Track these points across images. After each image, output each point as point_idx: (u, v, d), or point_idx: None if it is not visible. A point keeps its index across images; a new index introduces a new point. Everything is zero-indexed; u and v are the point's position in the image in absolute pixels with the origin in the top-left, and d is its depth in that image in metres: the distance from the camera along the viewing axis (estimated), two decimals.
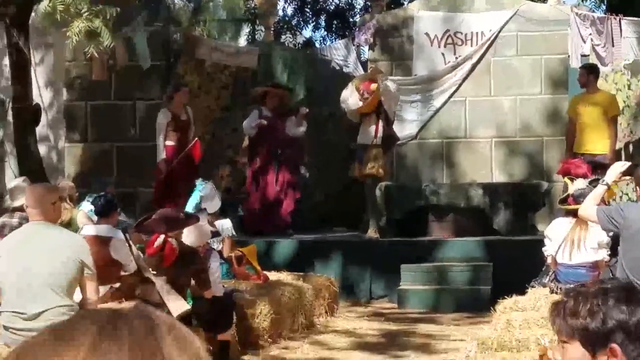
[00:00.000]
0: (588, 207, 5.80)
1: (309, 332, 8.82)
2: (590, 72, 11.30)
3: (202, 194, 8.85)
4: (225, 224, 9.10)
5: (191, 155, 11.10)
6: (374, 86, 10.98)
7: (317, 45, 19.12)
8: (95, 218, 7.60)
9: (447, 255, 10.81)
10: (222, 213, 9.42)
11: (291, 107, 12.15)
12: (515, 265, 9.85)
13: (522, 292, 8.14)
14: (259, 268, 9.34)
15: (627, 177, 6.52)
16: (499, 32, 12.64)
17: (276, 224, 11.74)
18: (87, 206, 8.47)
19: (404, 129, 12.72)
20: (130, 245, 7.16)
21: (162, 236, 6.78)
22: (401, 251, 10.75)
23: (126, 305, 0.91)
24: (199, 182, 9.12)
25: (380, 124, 11.21)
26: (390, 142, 11.51)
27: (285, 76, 13.45)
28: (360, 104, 11.09)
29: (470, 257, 10.73)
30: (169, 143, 11.31)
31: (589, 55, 11.82)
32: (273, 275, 9.58)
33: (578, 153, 10.84)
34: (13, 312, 5.78)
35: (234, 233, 9.34)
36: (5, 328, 5.87)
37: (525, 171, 12.59)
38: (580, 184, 7.77)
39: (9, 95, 11.76)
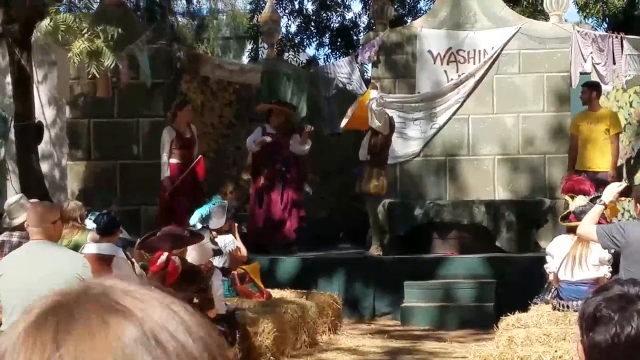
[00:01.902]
0: (587, 226, 5.81)
1: (312, 350, 8.81)
2: (592, 89, 11.34)
3: (210, 211, 8.86)
4: (227, 239, 9.11)
5: (195, 172, 11.14)
6: (359, 101, 11.05)
7: (321, 62, 19.18)
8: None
9: (450, 272, 10.81)
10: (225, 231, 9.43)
11: (295, 125, 12.18)
12: (519, 282, 9.87)
13: (525, 309, 8.15)
14: (261, 286, 9.34)
15: (623, 198, 6.53)
16: (502, 49, 12.67)
17: (280, 241, 11.75)
18: (89, 224, 8.48)
19: (408, 146, 12.75)
20: (132, 263, 7.17)
21: (166, 254, 6.79)
22: (405, 268, 10.75)
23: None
24: (215, 198, 9.12)
25: (372, 140, 11.24)
26: (381, 159, 11.43)
27: (288, 94, 13.48)
28: (346, 120, 11.17)
29: (473, 274, 10.73)
30: (173, 161, 11.33)
31: (590, 72, 11.84)
32: (276, 293, 9.57)
33: (580, 170, 10.86)
34: None
35: (238, 245, 9.34)
36: None
37: (528, 188, 12.60)
38: (580, 201, 7.79)
39: (12, 113, 11.79)
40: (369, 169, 11.20)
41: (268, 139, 11.69)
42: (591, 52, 11.72)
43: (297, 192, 11.88)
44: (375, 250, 11.32)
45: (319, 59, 20.31)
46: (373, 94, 11.14)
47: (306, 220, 12.00)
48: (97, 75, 9.55)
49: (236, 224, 9.43)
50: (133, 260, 7.49)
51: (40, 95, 12.65)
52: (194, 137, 11.48)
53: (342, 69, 13.63)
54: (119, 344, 0.76)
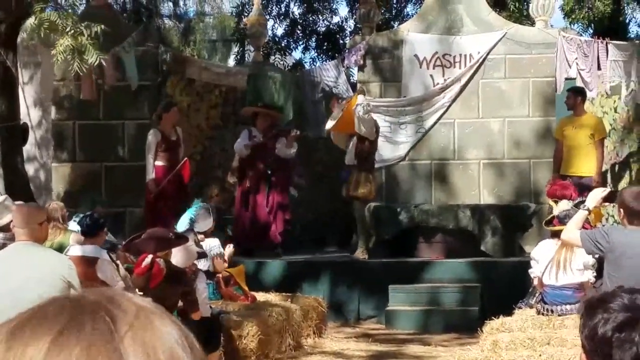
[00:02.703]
0: (571, 232, 5.84)
1: (297, 353, 8.80)
2: (577, 94, 11.39)
3: (195, 214, 8.84)
4: (213, 243, 9.10)
5: (181, 175, 11.11)
6: (343, 103, 11.03)
7: (307, 66, 19.19)
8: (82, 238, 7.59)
9: (435, 276, 10.83)
10: (211, 233, 9.41)
11: (281, 128, 12.17)
12: (504, 287, 9.91)
13: (510, 313, 8.17)
14: (246, 289, 9.33)
15: (607, 204, 6.56)
16: (487, 54, 12.71)
17: (265, 244, 11.74)
18: (74, 226, 8.46)
19: (394, 150, 12.77)
20: (117, 265, 7.16)
21: (150, 256, 6.78)
22: (390, 272, 10.76)
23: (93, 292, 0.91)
24: (196, 202, 9.11)
25: (359, 145, 11.22)
26: (369, 164, 11.43)
27: (274, 97, 13.49)
28: (332, 123, 11.15)
29: (458, 278, 10.75)
30: (159, 163, 11.30)
31: (575, 78, 11.89)
32: (261, 296, 9.56)
33: (565, 175, 10.90)
34: None
35: (222, 251, 9.33)
36: None
37: (514, 192, 12.64)
38: (564, 205, 7.82)
39: None
40: (356, 174, 11.19)
41: (258, 141, 11.68)
42: (576, 58, 11.76)
43: (282, 195, 11.87)
44: (361, 254, 11.33)
45: (305, 62, 20.34)
46: (360, 99, 11.14)
47: (291, 223, 11.99)
48: (81, 73, 9.50)
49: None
50: (118, 262, 7.48)
51: (26, 96, 12.60)
52: (180, 139, 11.45)
53: (328, 73, 13.64)
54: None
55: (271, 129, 11.86)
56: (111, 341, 0.83)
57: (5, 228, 7.74)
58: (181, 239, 7.29)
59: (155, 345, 0.85)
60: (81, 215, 7.69)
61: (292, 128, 12.13)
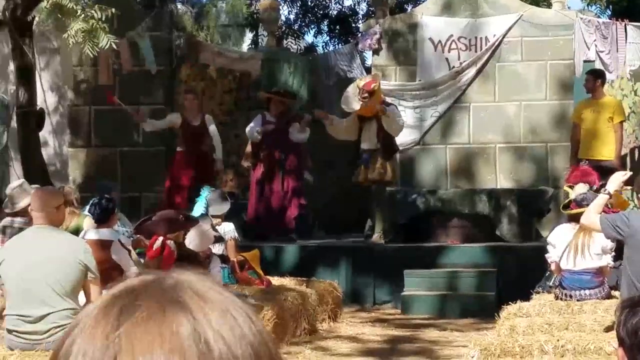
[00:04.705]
0: (591, 216, 5.79)
1: (312, 338, 8.79)
2: (596, 77, 11.29)
3: (209, 198, 8.85)
4: (228, 227, 9.09)
5: (202, 158, 11.18)
6: (374, 85, 10.95)
7: (320, 50, 19.11)
8: None
9: (451, 261, 10.78)
10: (225, 218, 9.41)
11: (295, 113, 12.14)
12: (520, 272, 9.86)
13: (527, 298, 8.13)
14: (261, 273, 9.32)
15: (629, 187, 6.50)
16: (504, 37, 12.61)
17: (280, 229, 11.72)
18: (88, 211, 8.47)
19: (408, 135, 12.68)
20: (129, 251, 7.16)
21: (161, 238, 6.76)
22: (405, 257, 10.72)
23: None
24: (205, 188, 9.10)
25: (380, 130, 11.15)
26: (391, 150, 11.41)
27: (288, 81, 13.44)
28: (358, 106, 11.06)
29: (474, 263, 10.70)
30: (179, 149, 11.42)
31: (594, 60, 11.79)
32: (276, 281, 9.55)
33: (583, 159, 10.82)
34: (17, 315, 5.78)
35: (237, 235, 9.33)
36: (9, 331, 5.87)
37: (531, 177, 12.55)
38: (581, 188, 7.76)
39: (14, 100, 11.76)
40: (377, 157, 11.13)
41: (270, 127, 11.66)
42: (594, 40, 11.66)
43: (297, 180, 11.85)
44: (378, 239, 11.27)
45: (318, 46, 20.24)
46: (390, 108, 11.09)
47: (306, 208, 11.96)
48: (91, 55, 9.49)
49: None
50: (129, 248, 7.47)
51: (42, 82, 12.61)
52: (206, 126, 11.46)
53: (342, 57, 13.58)
54: (168, 333, 0.81)
55: (284, 114, 11.83)
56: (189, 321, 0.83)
57: (23, 212, 7.77)
58: (191, 221, 7.28)
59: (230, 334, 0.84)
60: (95, 200, 7.67)
61: (306, 113, 12.10)
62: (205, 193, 8.93)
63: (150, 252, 6.88)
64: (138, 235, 7.89)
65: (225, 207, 9.07)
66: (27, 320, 5.75)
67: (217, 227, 8.50)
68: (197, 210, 8.60)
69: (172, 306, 0.83)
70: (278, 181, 11.75)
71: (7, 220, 8.43)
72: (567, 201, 8.09)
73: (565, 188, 8.30)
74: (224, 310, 0.85)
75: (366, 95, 10.94)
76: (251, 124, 11.79)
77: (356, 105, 11.04)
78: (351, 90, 11.15)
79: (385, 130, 11.07)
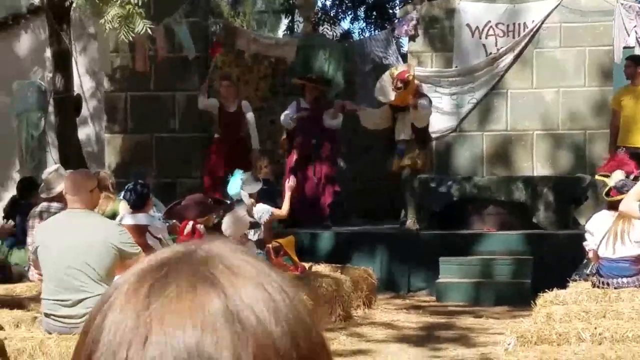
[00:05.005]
0: (630, 203, 5.72)
1: (347, 324, 8.78)
2: (637, 63, 11.14)
3: (243, 178, 8.89)
4: (261, 209, 9.11)
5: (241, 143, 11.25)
6: (408, 75, 10.88)
7: (356, 36, 19.04)
8: None
9: (487, 248, 10.72)
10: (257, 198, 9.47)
11: (329, 100, 12.12)
12: (556, 260, 9.78)
13: (563, 286, 8.06)
14: (296, 259, 9.32)
15: None
16: (542, 23, 12.48)
17: (314, 216, 11.72)
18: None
19: (444, 122, 12.63)
20: (159, 240, 7.19)
21: (191, 223, 6.78)
22: (440, 244, 10.68)
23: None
24: (238, 171, 9.13)
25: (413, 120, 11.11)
26: (425, 139, 11.39)
27: (323, 68, 13.41)
28: (392, 96, 11.01)
29: (510, 250, 10.63)
30: (216, 136, 11.47)
31: (634, 47, 11.64)
32: (311, 267, 9.55)
33: (621, 146, 10.69)
34: (54, 300, 5.81)
35: (272, 212, 9.36)
36: (47, 315, 5.91)
37: (569, 164, 12.44)
38: (619, 175, 7.66)
39: (51, 86, 11.84)
40: (412, 147, 11.10)
41: (304, 113, 11.67)
42: (635, 26, 11.51)
43: (330, 167, 11.84)
44: (411, 225, 11.24)
45: (354, 32, 20.17)
46: (421, 100, 11.03)
47: (340, 195, 11.95)
48: (126, 40, 9.51)
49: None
50: (160, 236, 7.50)
51: (79, 68, 12.68)
52: (243, 113, 11.49)
53: (378, 43, 13.52)
54: (200, 312, 0.79)
55: (319, 101, 11.82)
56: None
57: (60, 197, 7.82)
58: (220, 204, 7.30)
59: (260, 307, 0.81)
60: (130, 186, 7.70)
61: (340, 99, 12.08)
62: (239, 173, 8.97)
63: (182, 236, 6.90)
64: (174, 221, 7.92)
65: (257, 187, 9.12)
66: (64, 304, 5.79)
67: (253, 210, 8.52)
68: (233, 187, 8.61)
69: (203, 283, 0.80)
70: (311, 168, 11.75)
71: (44, 205, 8.50)
72: (607, 188, 8.00)
73: (598, 177, 8.21)
74: (257, 285, 0.82)
75: (400, 85, 10.91)
76: (286, 111, 11.79)
77: (390, 96, 11.01)
78: (385, 79, 11.12)
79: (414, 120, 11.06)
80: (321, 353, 0.84)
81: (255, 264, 0.85)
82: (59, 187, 7.98)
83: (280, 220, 10.94)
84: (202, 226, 6.92)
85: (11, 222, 9.64)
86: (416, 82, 11.36)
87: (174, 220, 7.86)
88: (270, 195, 10.73)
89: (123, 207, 7.89)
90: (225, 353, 0.77)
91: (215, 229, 7.18)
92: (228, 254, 0.85)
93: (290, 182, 9.64)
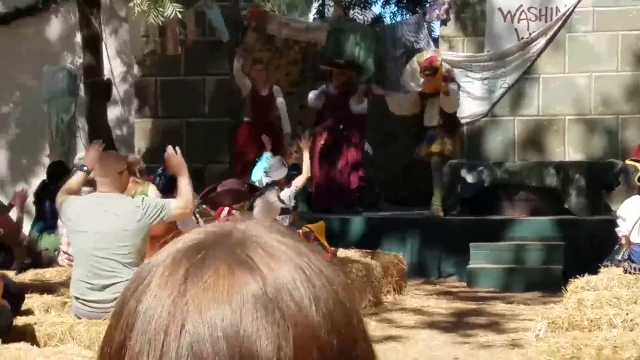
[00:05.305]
0: None
1: (377, 310, 8.76)
2: None
3: (269, 164, 8.88)
4: (287, 193, 9.12)
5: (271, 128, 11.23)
6: (436, 62, 10.81)
7: (387, 21, 18.96)
8: None
9: (518, 234, 10.66)
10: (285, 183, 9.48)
11: (356, 85, 12.10)
12: (588, 246, 9.71)
13: (594, 272, 7.99)
14: (326, 244, 9.30)
15: None
16: (575, 7, 12.35)
17: (343, 201, 11.70)
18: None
19: (475, 107, 12.54)
20: (197, 219, 7.19)
21: (227, 209, 6.78)
22: (471, 230, 10.63)
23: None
24: (265, 154, 9.13)
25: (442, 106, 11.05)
26: (454, 125, 11.33)
27: (354, 52, 13.34)
28: (420, 85, 10.94)
29: (541, 236, 10.56)
30: (245, 119, 11.46)
31: None
32: (341, 252, 9.53)
33: None
34: (83, 284, 5.82)
35: (294, 189, 9.37)
36: (76, 298, 5.92)
37: (601, 150, 12.32)
38: None
39: (81, 70, 11.87)
40: (441, 134, 11.04)
41: (331, 98, 11.67)
42: None
43: (356, 152, 11.82)
44: (436, 211, 11.19)
45: (385, 17, 20.08)
46: (451, 85, 10.97)
47: (366, 180, 11.93)
48: (155, 23, 9.50)
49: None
50: (197, 216, 7.51)
51: (109, 52, 12.70)
52: (274, 98, 11.48)
53: (409, 28, 13.44)
54: (238, 300, 0.76)
55: (346, 86, 11.80)
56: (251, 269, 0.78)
57: (91, 182, 7.84)
58: (255, 190, 7.29)
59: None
60: (160, 171, 7.72)
61: (367, 84, 12.05)
62: (266, 157, 8.97)
63: (218, 221, 6.90)
64: (204, 206, 7.92)
65: (283, 173, 9.11)
66: (93, 288, 5.79)
67: (281, 196, 8.52)
68: (257, 173, 8.60)
69: (241, 268, 0.78)
70: (339, 153, 11.74)
71: None
72: (639, 174, 7.92)
73: (629, 162, 8.12)
74: (296, 268, 0.79)
75: (428, 72, 10.84)
76: (312, 92, 11.85)
77: (418, 84, 10.98)
78: (412, 66, 11.08)
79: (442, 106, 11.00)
80: (362, 340, 0.80)
81: (293, 245, 0.82)
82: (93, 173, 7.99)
83: (310, 205, 10.95)
84: (238, 212, 6.91)
85: (26, 189, 9.66)
86: (446, 66, 11.30)
87: (204, 205, 7.86)
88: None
89: (152, 191, 7.90)
90: (266, 342, 0.75)
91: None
92: (265, 234, 0.82)
93: (304, 139, 9.58)
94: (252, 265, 0.78)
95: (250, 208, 7.83)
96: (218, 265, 0.78)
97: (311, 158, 12.13)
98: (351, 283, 8.28)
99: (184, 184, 5.87)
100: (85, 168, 6.10)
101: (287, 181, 9.39)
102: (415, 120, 11.58)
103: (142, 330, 0.77)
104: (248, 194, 7.23)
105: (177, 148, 6.00)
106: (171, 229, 6.79)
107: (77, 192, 6.06)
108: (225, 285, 0.76)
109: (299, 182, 9.42)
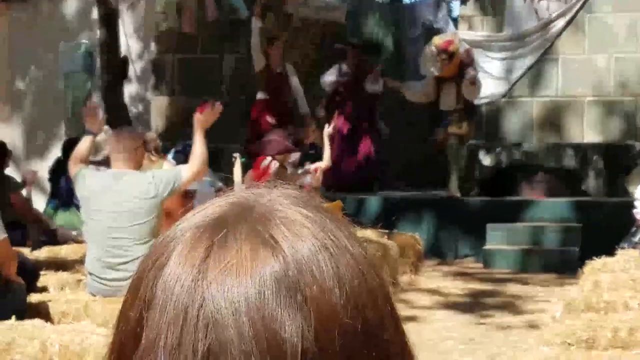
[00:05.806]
0: None
1: (393, 290, 8.53)
2: None
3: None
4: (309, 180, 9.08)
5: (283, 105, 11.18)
6: (453, 47, 10.74)
7: (407, 0, 18.85)
8: None
9: (535, 215, 10.61)
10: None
11: (370, 65, 12.04)
12: (605, 227, 9.65)
13: (611, 254, 7.95)
14: None
15: None
16: None
17: (359, 180, 11.68)
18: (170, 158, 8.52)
19: (494, 87, 12.47)
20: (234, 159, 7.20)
21: (269, 158, 6.77)
22: (488, 211, 10.59)
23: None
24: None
25: (461, 90, 10.97)
26: (472, 109, 11.27)
27: (373, 32, 13.29)
28: (437, 70, 10.87)
29: (559, 217, 10.51)
30: (260, 96, 11.39)
31: None
32: (358, 232, 9.43)
33: None
34: (98, 261, 5.82)
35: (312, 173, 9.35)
36: (91, 276, 5.92)
37: (620, 132, 12.24)
38: None
39: (97, 47, 11.86)
40: (458, 116, 10.98)
41: (345, 78, 11.64)
42: None
43: (372, 132, 11.78)
44: (453, 192, 11.15)
45: None
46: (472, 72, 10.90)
47: (382, 160, 11.89)
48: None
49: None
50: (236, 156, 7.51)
51: (126, 30, 12.69)
52: (288, 77, 11.44)
53: (428, 7, 13.37)
54: (261, 283, 0.73)
55: (360, 66, 11.75)
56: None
57: (108, 161, 7.83)
58: (297, 146, 7.29)
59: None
60: (174, 150, 7.69)
61: (377, 65, 12.00)
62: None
63: (257, 170, 6.88)
64: (220, 189, 7.90)
65: (295, 155, 9.10)
66: (109, 266, 5.79)
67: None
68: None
69: (264, 248, 0.75)
70: (354, 133, 11.71)
71: (92, 168, 8.51)
72: None
73: None
74: (320, 247, 0.76)
75: (445, 57, 10.77)
76: (325, 74, 11.81)
77: (435, 70, 10.90)
78: (429, 51, 11.00)
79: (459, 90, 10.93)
80: (389, 322, 0.76)
81: (319, 220, 0.79)
82: (108, 149, 7.98)
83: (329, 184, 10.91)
84: (276, 164, 6.89)
85: (33, 169, 9.68)
86: (465, 46, 11.21)
87: (221, 190, 7.84)
88: (317, 160, 10.68)
89: (167, 167, 7.89)
90: (291, 328, 0.72)
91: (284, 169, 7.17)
92: (289, 208, 0.79)
93: (329, 129, 9.55)
94: (275, 247, 0.75)
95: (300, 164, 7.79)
96: (240, 245, 0.75)
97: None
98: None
99: (200, 144, 5.84)
100: (91, 131, 6.08)
101: (299, 163, 9.34)
102: (431, 103, 11.54)
103: (160, 310, 0.74)
104: (291, 147, 7.23)
105: (218, 103, 6.00)
106: (189, 210, 6.80)
107: (86, 157, 6.05)
108: (247, 268, 0.74)
109: (318, 168, 9.32)
